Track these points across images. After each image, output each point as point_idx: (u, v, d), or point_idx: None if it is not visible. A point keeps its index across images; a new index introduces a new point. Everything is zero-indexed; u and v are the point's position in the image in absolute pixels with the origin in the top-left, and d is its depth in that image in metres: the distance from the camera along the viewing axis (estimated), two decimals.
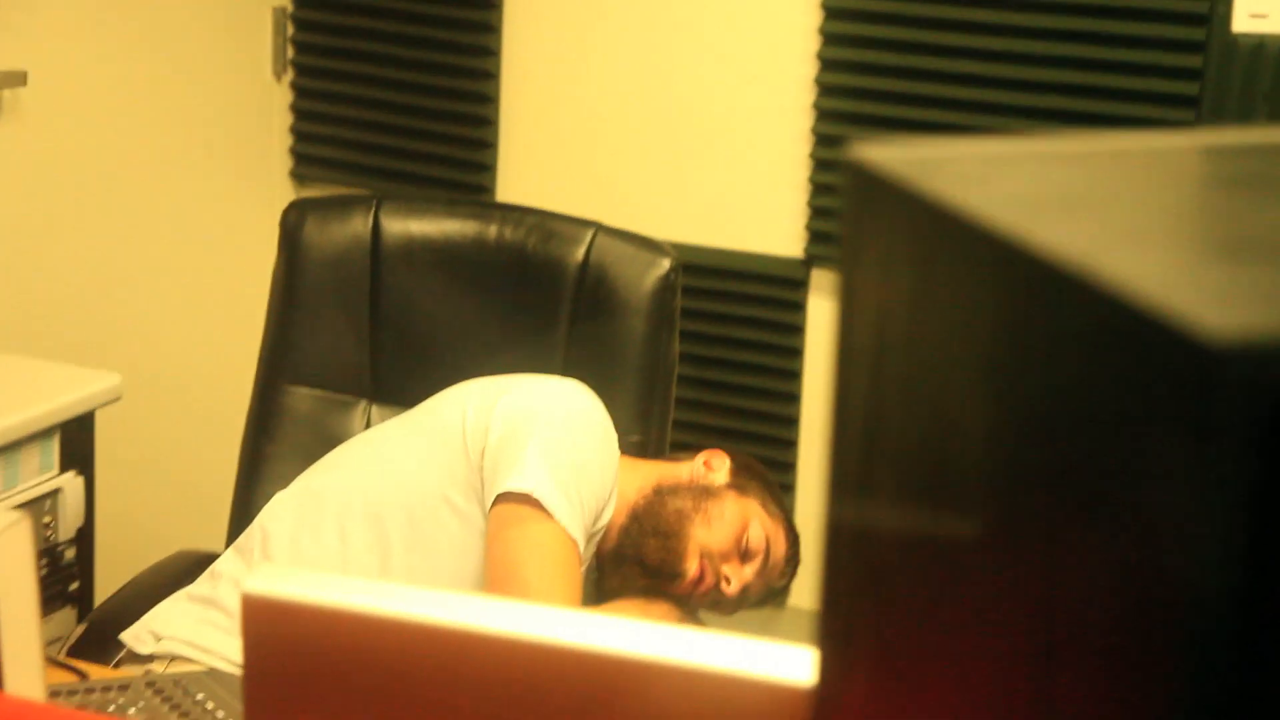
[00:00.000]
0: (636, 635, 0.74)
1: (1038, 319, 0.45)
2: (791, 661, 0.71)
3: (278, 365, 1.98)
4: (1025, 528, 0.46)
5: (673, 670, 0.73)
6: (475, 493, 1.70)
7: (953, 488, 0.50)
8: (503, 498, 1.65)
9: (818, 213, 2.70)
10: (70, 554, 2.09)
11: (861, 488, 0.56)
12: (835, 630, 0.58)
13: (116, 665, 1.71)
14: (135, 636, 1.75)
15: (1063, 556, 0.44)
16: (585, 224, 1.96)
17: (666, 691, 0.72)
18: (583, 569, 1.68)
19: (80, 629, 1.81)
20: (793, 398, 2.79)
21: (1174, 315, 0.39)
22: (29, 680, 1.06)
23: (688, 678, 0.72)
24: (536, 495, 1.64)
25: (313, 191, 3.00)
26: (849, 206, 0.56)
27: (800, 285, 2.74)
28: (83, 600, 2.13)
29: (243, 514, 1.93)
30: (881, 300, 0.54)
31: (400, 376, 1.97)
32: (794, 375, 2.79)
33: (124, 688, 1.42)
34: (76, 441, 2.09)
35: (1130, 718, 0.41)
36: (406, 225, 1.97)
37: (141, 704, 1.39)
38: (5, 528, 1.04)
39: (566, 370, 1.90)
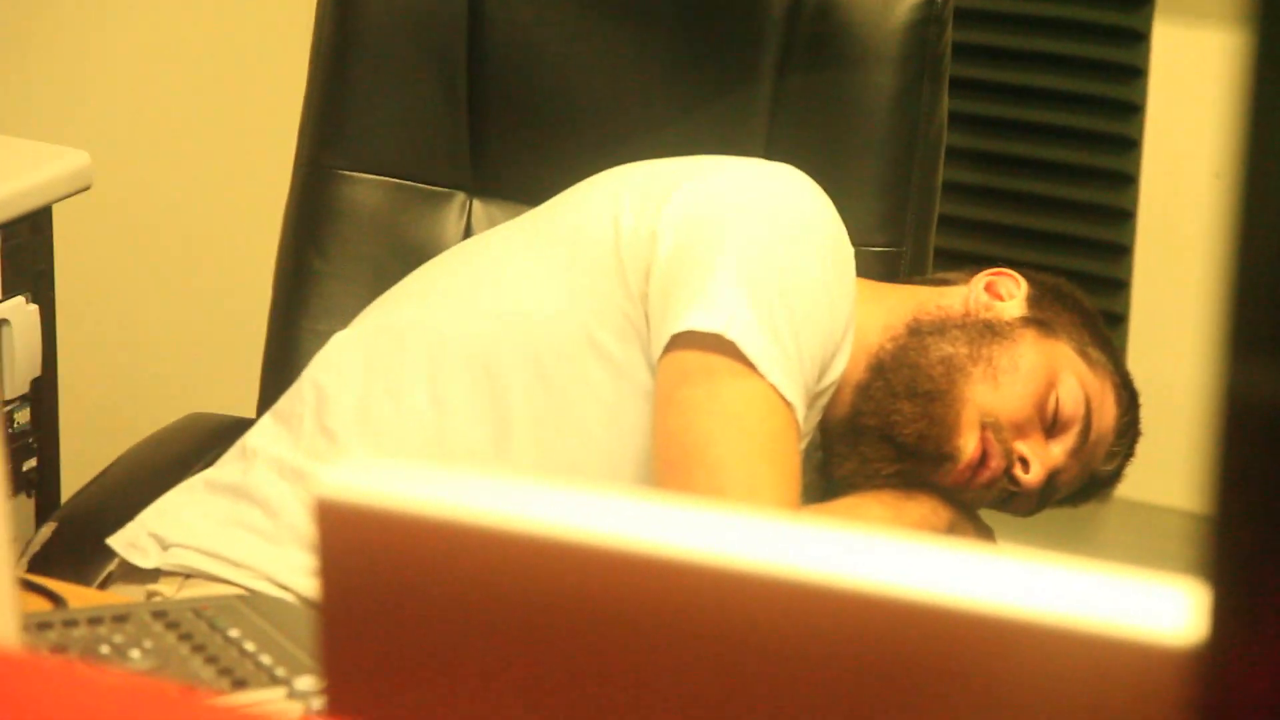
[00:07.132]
0: (892, 555, 0.74)
1: None
2: (1157, 605, 0.70)
3: (327, 141, 1.98)
4: None
5: (945, 614, 0.72)
6: (637, 333, 1.70)
7: None
8: (680, 340, 1.63)
9: None
10: (23, 417, 2.21)
11: None
12: (1238, 559, 0.61)
13: (103, 584, 1.72)
14: (131, 543, 1.72)
15: None
16: None
17: (935, 644, 0.72)
18: (802, 446, 1.65)
19: (47, 530, 1.83)
20: (1126, 180, 2.70)
21: None
22: None
23: (972, 627, 0.71)
24: (731, 336, 1.60)
25: None
26: None
27: (1142, 2, 2.63)
28: (45, 487, 2.22)
29: (282, 362, 1.94)
30: None
31: (516, 158, 1.99)
32: (1128, 146, 2.69)
33: (120, 619, 1.41)
34: (27, 251, 2.16)
35: None
36: None
37: (149, 644, 1.38)
38: None
39: (771, 148, 1.87)
